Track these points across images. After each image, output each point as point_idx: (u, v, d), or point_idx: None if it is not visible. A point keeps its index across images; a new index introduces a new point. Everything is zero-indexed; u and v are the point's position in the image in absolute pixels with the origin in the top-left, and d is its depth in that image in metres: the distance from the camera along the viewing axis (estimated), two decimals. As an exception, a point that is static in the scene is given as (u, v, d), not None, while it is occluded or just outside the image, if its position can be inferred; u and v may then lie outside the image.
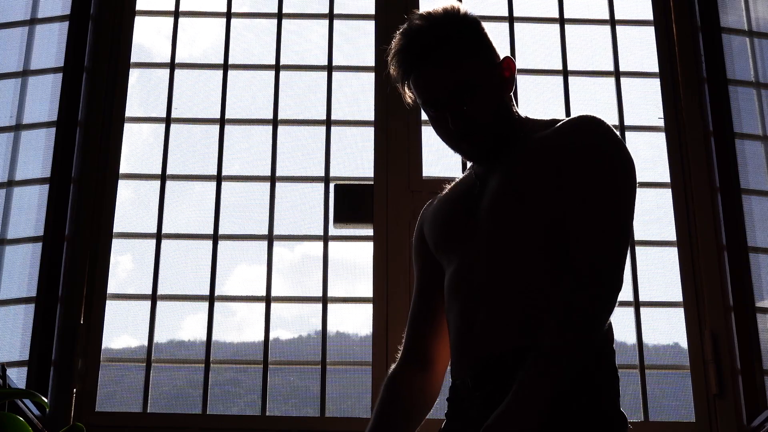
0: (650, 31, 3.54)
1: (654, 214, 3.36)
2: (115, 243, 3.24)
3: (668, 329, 3.24)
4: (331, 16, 3.52)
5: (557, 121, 1.88)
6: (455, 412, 1.85)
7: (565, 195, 1.77)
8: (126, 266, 3.32)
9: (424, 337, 2.01)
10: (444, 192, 2.03)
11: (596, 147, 1.81)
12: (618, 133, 1.88)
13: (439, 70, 1.82)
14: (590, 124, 1.83)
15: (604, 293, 1.72)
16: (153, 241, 3.25)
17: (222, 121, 3.40)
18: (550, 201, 1.78)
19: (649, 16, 3.55)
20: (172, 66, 3.46)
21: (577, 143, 1.80)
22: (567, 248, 1.76)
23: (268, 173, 3.34)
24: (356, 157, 3.39)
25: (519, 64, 3.47)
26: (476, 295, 1.81)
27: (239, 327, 3.28)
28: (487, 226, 1.83)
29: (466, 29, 1.88)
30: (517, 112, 1.91)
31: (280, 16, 3.54)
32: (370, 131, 3.38)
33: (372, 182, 3.30)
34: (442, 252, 1.94)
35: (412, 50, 1.86)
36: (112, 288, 3.20)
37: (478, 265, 1.82)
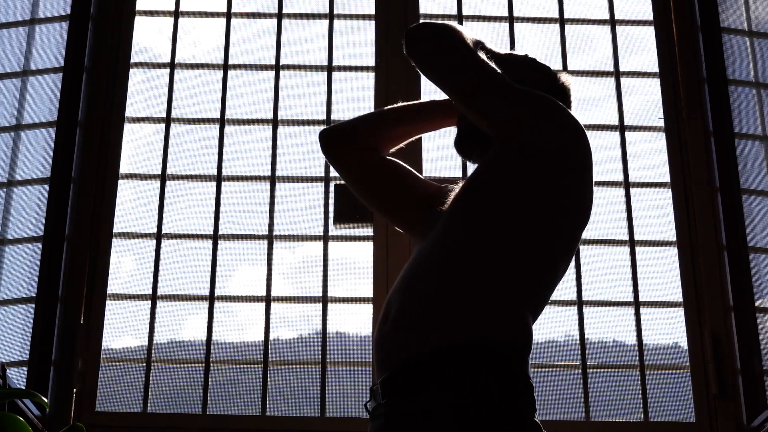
0: (650, 31, 3.54)
1: (654, 214, 3.36)
2: (116, 243, 3.24)
3: (668, 329, 3.24)
4: (331, 16, 3.52)
5: None
6: (372, 416, 1.88)
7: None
8: (128, 267, 3.33)
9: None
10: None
11: None
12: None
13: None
14: None
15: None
16: (153, 241, 3.26)
17: (222, 121, 3.40)
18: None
19: (649, 16, 3.55)
20: (172, 66, 3.46)
21: None
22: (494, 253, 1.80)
23: (268, 173, 3.34)
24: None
25: (519, 64, 3.47)
26: (392, 295, 1.87)
27: (239, 327, 3.28)
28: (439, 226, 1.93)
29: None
30: None
31: (280, 16, 3.54)
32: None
33: (372, 182, 3.30)
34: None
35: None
36: (113, 288, 3.20)
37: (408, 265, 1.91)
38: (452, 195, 1.94)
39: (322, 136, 2.13)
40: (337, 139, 2.11)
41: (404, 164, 2.14)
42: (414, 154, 3.32)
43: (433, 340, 1.74)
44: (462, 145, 2.04)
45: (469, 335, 1.73)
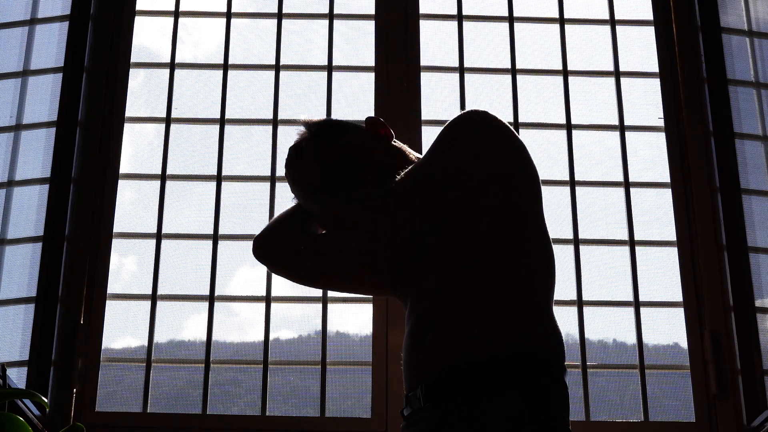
0: (650, 31, 3.54)
1: (654, 214, 3.36)
2: (116, 243, 3.24)
3: (668, 329, 3.25)
4: (331, 16, 3.52)
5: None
6: (407, 423, 1.88)
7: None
8: (129, 268, 3.33)
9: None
10: None
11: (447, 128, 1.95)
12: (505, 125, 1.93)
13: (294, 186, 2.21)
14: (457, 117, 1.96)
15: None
16: (153, 241, 3.26)
17: (222, 121, 3.40)
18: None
19: (649, 16, 3.55)
20: (172, 66, 3.46)
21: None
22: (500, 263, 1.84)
23: (268, 173, 3.34)
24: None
25: (519, 64, 3.48)
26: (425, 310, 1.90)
27: (239, 327, 3.28)
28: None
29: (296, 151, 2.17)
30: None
31: (280, 16, 3.54)
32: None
33: (372, 182, 3.30)
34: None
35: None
36: (114, 288, 3.20)
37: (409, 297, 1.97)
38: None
39: (258, 251, 2.15)
40: (273, 248, 2.12)
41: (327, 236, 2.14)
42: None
43: (483, 347, 1.77)
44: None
45: (516, 342, 1.79)
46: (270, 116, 3.41)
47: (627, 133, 3.41)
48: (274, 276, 3.22)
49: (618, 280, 3.27)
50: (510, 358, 1.76)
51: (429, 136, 3.34)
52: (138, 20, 3.50)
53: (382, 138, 2.10)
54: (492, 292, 1.81)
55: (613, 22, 3.55)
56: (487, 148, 1.87)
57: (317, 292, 3.20)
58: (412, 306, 1.93)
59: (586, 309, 3.22)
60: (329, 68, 3.45)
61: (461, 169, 1.85)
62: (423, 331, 1.86)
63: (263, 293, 3.20)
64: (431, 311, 1.87)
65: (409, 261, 1.98)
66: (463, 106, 3.41)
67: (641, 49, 3.55)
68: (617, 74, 3.49)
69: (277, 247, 2.11)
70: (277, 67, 3.47)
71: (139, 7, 3.51)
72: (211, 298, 3.20)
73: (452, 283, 1.85)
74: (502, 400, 1.72)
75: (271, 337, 3.17)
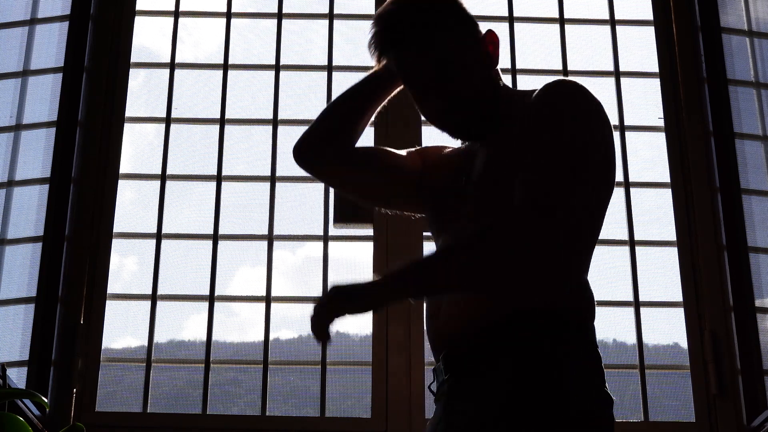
0: (650, 31, 3.54)
1: (654, 214, 3.36)
2: (117, 243, 3.24)
3: (668, 329, 3.24)
4: (331, 16, 3.52)
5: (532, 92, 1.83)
6: (436, 394, 1.83)
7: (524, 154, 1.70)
8: (130, 268, 3.33)
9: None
10: (449, 152, 2.01)
11: (558, 103, 1.73)
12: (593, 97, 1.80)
13: (415, 54, 1.80)
14: (557, 85, 1.77)
15: (541, 222, 1.62)
16: (153, 241, 3.26)
17: (222, 121, 3.40)
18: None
19: (649, 16, 3.55)
20: (172, 66, 3.46)
21: (541, 103, 1.74)
22: None
23: (268, 173, 3.34)
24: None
25: (519, 64, 3.48)
26: None
27: (240, 327, 3.28)
28: (467, 214, 1.81)
29: (440, 6, 1.83)
30: (505, 86, 1.87)
31: (280, 16, 3.54)
32: (369, 131, 3.36)
33: (372, 182, 3.29)
34: (433, 228, 1.95)
35: (386, 36, 1.82)
36: (115, 288, 3.20)
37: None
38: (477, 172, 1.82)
39: (296, 151, 2.01)
40: (313, 150, 1.99)
41: (379, 149, 2.08)
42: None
43: (488, 312, 1.70)
44: (476, 135, 1.85)
45: (523, 302, 1.69)
46: (270, 116, 3.41)
47: (627, 133, 3.41)
48: (274, 276, 3.22)
49: (618, 280, 3.27)
50: (508, 323, 1.68)
51: (429, 135, 3.34)
52: (138, 20, 3.50)
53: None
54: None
55: (613, 22, 3.55)
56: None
57: (317, 293, 3.20)
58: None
59: (586, 309, 3.21)
60: (329, 68, 3.45)
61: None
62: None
63: (263, 293, 3.20)
64: None
65: (449, 210, 1.88)
66: (463, 106, 3.41)
67: (641, 49, 3.55)
68: (617, 74, 3.49)
69: (316, 156, 1.98)
70: (277, 67, 3.47)
71: (139, 7, 3.51)
72: (211, 298, 3.20)
73: None
74: (496, 373, 1.65)
75: (271, 337, 3.17)
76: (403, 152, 2.05)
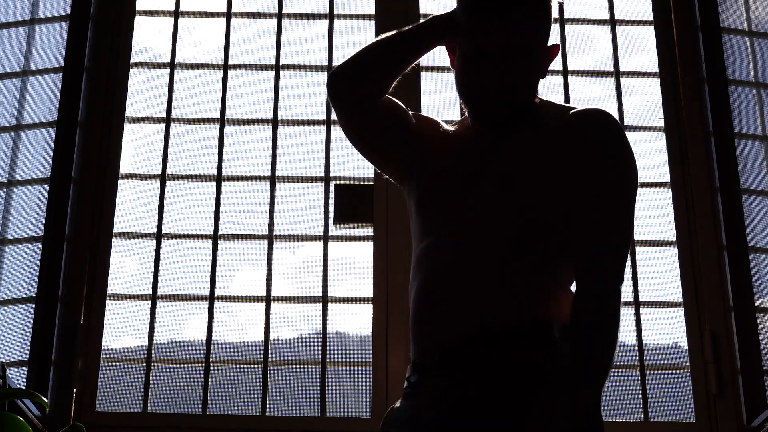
0: (650, 31, 3.54)
1: (654, 214, 3.36)
2: (117, 244, 3.24)
3: (668, 329, 3.24)
4: (331, 16, 3.52)
5: (570, 108, 1.91)
6: (415, 390, 1.83)
7: (579, 188, 1.81)
8: (130, 268, 3.32)
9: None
10: (447, 131, 2.00)
11: (614, 145, 1.90)
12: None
13: (514, 27, 1.83)
14: (608, 121, 1.89)
15: (619, 288, 1.78)
16: (153, 241, 3.26)
17: (222, 121, 3.40)
18: (558, 194, 1.81)
19: (649, 16, 3.55)
20: (172, 66, 3.46)
21: (596, 139, 1.86)
22: (553, 243, 1.81)
23: (268, 173, 3.34)
24: (356, 157, 3.35)
25: (519, 64, 3.47)
26: (449, 269, 1.82)
27: (240, 327, 3.28)
28: (482, 204, 1.83)
29: (546, 7, 1.89)
30: (538, 95, 1.94)
31: (280, 16, 3.54)
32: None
33: (372, 182, 3.30)
34: (429, 201, 1.91)
35: (497, 4, 1.84)
36: (115, 289, 3.20)
37: (463, 238, 1.82)
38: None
39: (334, 83, 1.96)
40: (351, 86, 1.93)
41: (401, 106, 2.01)
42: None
43: (501, 316, 1.77)
44: (502, 125, 1.89)
45: (532, 313, 1.78)
46: (270, 116, 3.41)
47: (627, 133, 3.40)
48: (274, 276, 3.22)
49: (618, 280, 3.26)
50: (527, 328, 1.76)
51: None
52: (138, 20, 3.50)
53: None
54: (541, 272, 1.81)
55: (613, 22, 3.55)
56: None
57: (317, 293, 3.20)
58: (433, 245, 1.85)
59: (586, 309, 3.21)
60: (329, 68, 3.45)
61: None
62: (439, 291, 1.81)
63: (263, 293, 3.20)
64: (450, 269, 1.82)
65: (456, 197, 1.88)
66: (463, 106, 3.41)
67: (641, 49, 3.55)
68: (617, 74, 3.49)
69: (356, 89, 1.93)
70: (277, 67, 3.47)
71: (139, 7, 3.51)
72: (211, 298, 3.20)
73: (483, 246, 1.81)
74: (515, 366, 1.73)
75: (271, 337, 3.17)
76: (410, 114, 2.02)
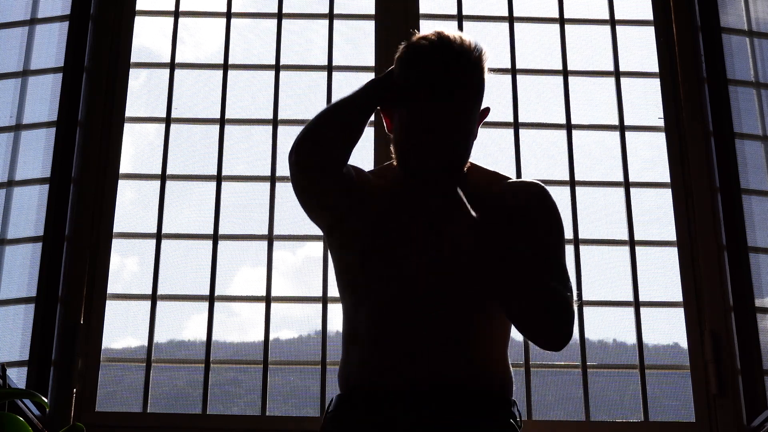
0: (650, 31, 3.54)
1: (654, 214, 3.36)
2: (117, 244, 3.24)
3: (668, 329, 3.24)
4: (331, 16, 3.52)
5: (499, 177, 2.10)
6: (373, 418, 1.92)
7: (530, 241, 1.99)
8: (131, 269, 3.32)
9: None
10: (373, 180, 2.08)
11: (554, 211, 2.07)
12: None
13: (453, 104, 1.95)
14: (545, 193, 2.09)
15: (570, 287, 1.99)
16: (153, 241, 3.26)
17: (222, 121, 3.40)
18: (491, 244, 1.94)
19: (649, 16, 3.55)
20: (172, 66, 3.46)
21: (541, 206, 2.06)
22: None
23: (268, 173, 3.34)
24: (356, 156, 3.36)
25: (519, 64, 3.48)
26: (424, 316, 1.94)
27: (240, 327, 3.28)
28: (419, 252, 1.96)
29: (483, 74, 1.99)
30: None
31: (280, 16, 3.54)
32: (369, 131, 3.38)
33: (372, 182, 3.30)
34: (373, 249, 2.00)
35: (450, 68, 1.94)
36: (116, 289, 3.20)
37: (428, 286, 1.95)
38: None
39: (304, 151, 1.98)
40: (320, 154, 1.96)
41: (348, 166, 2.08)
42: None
43: (488, 382, 1.96)
44: (435, 180, 2.01)
45: (507, 390, 2.01)
46: (270, 116, 3.41)
47: (627, 133, 3.41)
48: (274, 276, 3.22)
49: (618, 280, 3.27)
50: (497, 394, 1.97)
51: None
52: (138, 20, 3.50)
53: None
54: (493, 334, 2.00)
55: (613, 22, 3.55)
56: None
57: (317, 293, 3.20)
58: (405, 289, 1.96)
59: (586, 309, 3.22)
60: (329, 68, 3.45)
61: None
62: (421, 332, 1.93)
63: (263, 293, 3.20)
64: (432, 313, 1.94)
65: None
66: (463, 106, 3.41)
67: (641, 49, 3.55)
68: (617, 74, 3.49)
69: (321, 159, 1.96)
70: (277, 67, 3.47)
71: (139, 7, 3.51)
72: (211, 298, 3.20)
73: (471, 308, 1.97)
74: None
75: (271, 337, 3.17)
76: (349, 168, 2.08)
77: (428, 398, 1.90)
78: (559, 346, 1.91)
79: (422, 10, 3.51)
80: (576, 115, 3.43)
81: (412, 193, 2.02)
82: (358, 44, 3.52)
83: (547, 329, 1.89)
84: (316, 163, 1.95)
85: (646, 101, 3.47)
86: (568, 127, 3.42)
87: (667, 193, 3.34)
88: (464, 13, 3.53)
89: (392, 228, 2.00)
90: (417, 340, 1.93)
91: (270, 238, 3.26)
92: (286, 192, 3.33)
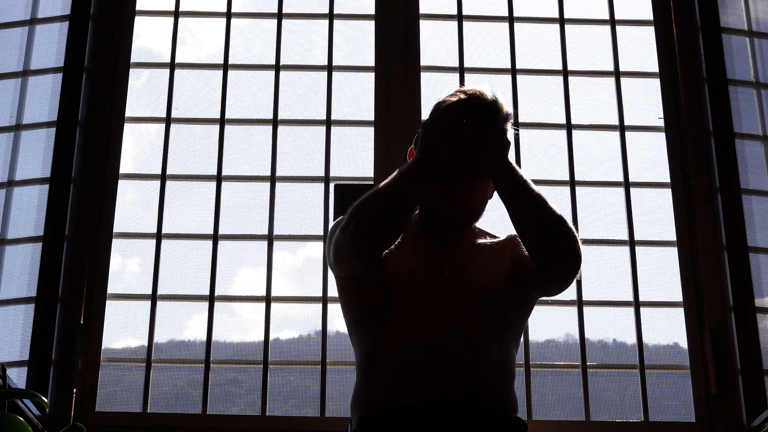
0: (650, 31, 3.54)
1: (654, 214, 3.36)
2: (116, 243, 3.24)
3: (668, 329, 3.25)
4: (331, 16, 3.52)
5: (485, 234, 2.33)
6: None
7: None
8: (132, 269, 3.32)
9: None
10: (407, 244, 2.24)
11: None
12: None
13: (485, 180, 2.24)
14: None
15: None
16: (153, 241, 3.26)
17: (222, 121, 3.40)
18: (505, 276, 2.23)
19: (649, 16, 3.55)
20: (172, 66, 3.46)
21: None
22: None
23: (268, 173, 3.34)
24: (356, 157, 3.39)
25: (519, 64, 3.48)
26: (448, 344, 2.13)
27: (240, 327, 3.28)
28: (470, 288, 2.19)
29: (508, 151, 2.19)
30: None
31: (280, 16, 3.54)
32: (370, 131, 3.38)
33: (372, 182, 3.30)
34: (405, 289, 2.18)
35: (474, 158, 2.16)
36: (117, 289, 3.20)
37: (459, 319, 2.15)
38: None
39: (355, 252, 2.11)
40: (376, 249, 2.11)
41: None
42: (414, 154, 3.32)
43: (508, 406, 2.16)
44: (455, 232, 2.27)
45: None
46: (270, 116, 3.41)
47: (627, 133, 3.41)
48: (274, 276, 3.22)
49: (618, 280, 3.27)
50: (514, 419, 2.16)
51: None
52: (138, 20, 3.50)
53: None
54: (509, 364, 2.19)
55: (613, 22, 3.55)
56: None
57: (317, 293, 3.20)
58: (436, 321, 2.14)
59: (586, 309, 3.22)
60: (329, 68, 3.45)
61: None
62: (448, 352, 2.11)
63: (263, 293, 3.20)
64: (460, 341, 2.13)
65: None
66: (463, 106, 3.40)
67: (641, 49, 3.55)
68: (617, 74, 3.49)
69: (372, 256, 2.13)
70: (277, 67, 3.47)
71: (139, 7, 3.51)
72: (212, 298, 3.20)
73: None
74: None
75: (271, 337, 3.17)
76: None
77: (457, 415, 2.06)
78: (572, 269, 2.08)
79: (422, 10, 3.51)
80: (576, 115, 3.44)
81: (435, 236, 2.25)
82: (358, 44, 3.52)
83: (560, 248, 2.07)
84: (370, 252, 2.11)
85: (646, 101, 3.47)
86: (568, 127, 3.42)
87: (667, 193, 3.34)
88: (464, 13, 3.53)
89: (417, 268, 2.19)
90: (444, 366, 2.09)
91: (270, 238, 3.26)
92: (286, 192, 3.33)
